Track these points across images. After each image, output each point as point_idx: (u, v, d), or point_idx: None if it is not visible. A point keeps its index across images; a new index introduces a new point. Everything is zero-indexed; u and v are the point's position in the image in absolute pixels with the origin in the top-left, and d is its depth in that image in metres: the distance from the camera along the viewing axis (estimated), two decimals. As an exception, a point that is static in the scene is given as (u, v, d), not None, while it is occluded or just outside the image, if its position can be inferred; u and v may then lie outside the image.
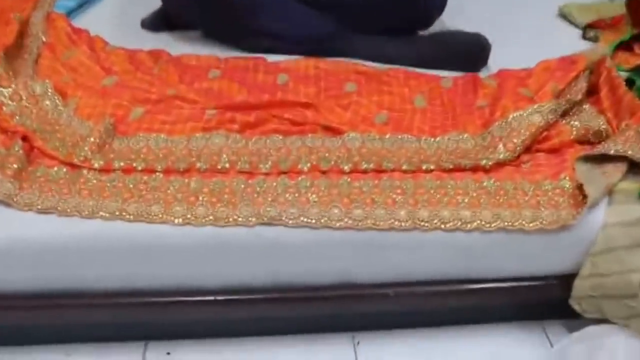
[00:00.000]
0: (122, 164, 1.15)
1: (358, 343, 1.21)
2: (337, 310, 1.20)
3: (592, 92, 1.34)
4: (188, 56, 1.45)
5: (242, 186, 1.12)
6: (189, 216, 1.08)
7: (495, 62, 1.49)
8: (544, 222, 1.09)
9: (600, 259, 1.10)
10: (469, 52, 1.51)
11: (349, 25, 1.50)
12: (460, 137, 1.24)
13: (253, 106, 1.28)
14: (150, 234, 1.07)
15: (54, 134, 1.20)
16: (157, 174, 1.14)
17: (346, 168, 1.17)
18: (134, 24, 1.60)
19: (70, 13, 1.58)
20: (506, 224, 1.09)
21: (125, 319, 1.17)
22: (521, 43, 1.60)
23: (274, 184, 1.13)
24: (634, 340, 1.11)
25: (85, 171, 1.14)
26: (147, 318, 1.17)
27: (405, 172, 1.17)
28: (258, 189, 1.12)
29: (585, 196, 1.10)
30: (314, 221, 1.08)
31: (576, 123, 1.26)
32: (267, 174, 1.15)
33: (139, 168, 1.15)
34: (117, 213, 1.07)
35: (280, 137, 1.23)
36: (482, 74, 1.46)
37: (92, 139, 1.17)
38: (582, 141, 1.25)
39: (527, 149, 1.21)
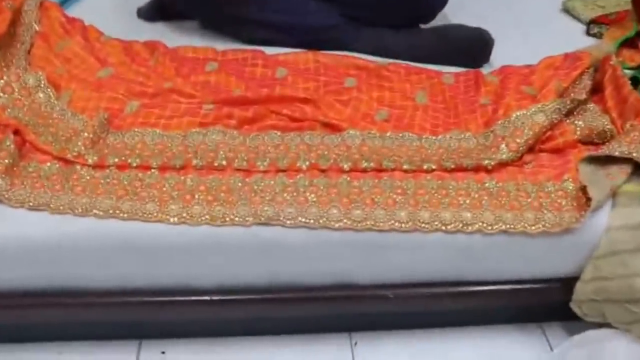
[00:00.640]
0: (116, 160, 1.13)
1: (356, 344, 1.20)
2: (335, 310, 1.18)
3: (596, 90, 1.32)
4: (185, 48, 1.42)
5: (239, 184, 1.10)
6: (184, 215, 1.06)
7: (498, 57, 1.47)
8: (547, 225, 1.07)
9: (604, 263, 1.08)
10: (471, 47, 1.49)
11: (350, 17, 1.47)
12: (462, 135, 1.23)
13: (251, 101, 1.25)
14: (145, 233, 1.05)
15: (47, 128, 1.18)
16: (153, 170, 1.12)
17: (345, 167, 1.14)
18: (129, 14, 1.57)
19: (64, 2, 1.54)
20: (508, 226, 1.08)
21: (119, 318, 1.15)
22: (524, 38, 1.58)
23: (272, 182, 1.11)
24: (636, 345, 1.09)
25: (78, 167, 1.11)
26: (142, 317, 1.15)
27: (406, 171, 1.15)
28: (255, 187, 1.10)
29: (588, 198, 1.08)
30: (312, 221, 1.06)
31: (580, 123, 1.24)
32: (265, 172, 1.13)
33: (134, 164, 1.13)
34: (111, 211, 1.05)
35: (279, 134, 1.20)
36: (484, 69, 1.44)
37: (86, 134, 1.15)
38: (586, 141, 1.22)
39: (530, 149, 1.19)
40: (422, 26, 1.55)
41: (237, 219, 1.05)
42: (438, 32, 1.52)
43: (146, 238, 1.05)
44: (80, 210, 1.05)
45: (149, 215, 1.05)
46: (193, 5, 1.50)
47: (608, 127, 1.23)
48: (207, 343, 1.18)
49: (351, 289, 1.13)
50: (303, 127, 1.22)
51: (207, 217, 1.05)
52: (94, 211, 1.05)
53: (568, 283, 1.13)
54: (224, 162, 1.14)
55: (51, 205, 1.05)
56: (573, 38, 1.59)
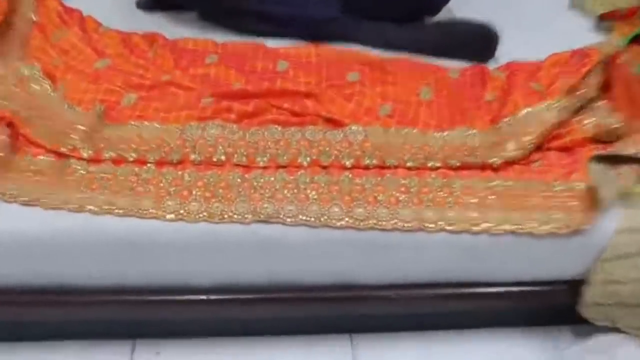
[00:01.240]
0: (112, 154, 1.10)
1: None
2: (336, 311, 1.17)
3: (606, 87, 1.28)
4: (184, 40, 1.39)
5: (239, 180, 1.08)
6: (181, 211, 1.03)
7: (503, 53, 1.43)
8: (555, 225, 1.05)
9: (615, 265, 1.05)
10: (476, 42, 1.45)
11: (353, 10, 1.44)
12: (468, 132, 1.20)
13: (251, 95, 1.23)
14: (141, 230, 1.02)
15: (42, 121, 1.14)
16: (149, 165, 1.10)
17: (348, 163, 1.12)
18: (128, 4, 1.54)
19: (62, -8, 1.50)
20: (515, 227, 1.05)
21: (114, 317, 1.14)
22: (530, 34, 1.52)
23: (272, 178, 1.09)
24: (647, 350, 1.07)
25: (73, 161, 1.09)
26: (137, 316, 1.13)
27: (409, 169, 1.13)
28: (255, 183, 1.08)
29: (598, 199, 1.05)
30: (313, 219, 1.04)
31: (589, 120, 1.20)
32: (264, 168, 1.11)
33: (130, 159, 1.10)
34: (106, 207, 1.03)
35: (279, 129, 1.18)
36: (490, 65, 1.40)
37: (81, 127, 1.12)
38: (595, 140, 1.20)
39: (538, 147, 1.16)
40: (426, 21, 1.52)
41: (235, 216, 1.03)
42: (442, 26, 1.49)
43: (142, 235, 1.02)
44: (74, 205, 1.02)
45: (145, 212, 1.03)
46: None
47: (618, 125, 1.20)
48: (204, 343, 1.16)
49: (353, 289, 1.12)
50: (304, 122, 1.19)
51: (204, 214, 1.03)
52: (89, 207, 1.03)
53: (576, 285, 1.10)
54: (223, 157, 1.11)
55: (44, 201, 1.02)
56: (581, 34, 1.55)
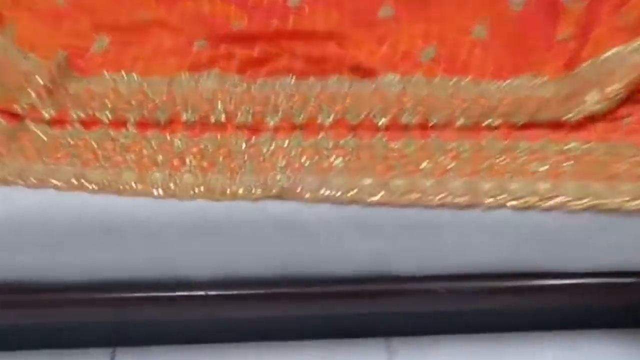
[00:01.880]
0: (81, 114, 1.13)
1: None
2: (368, 310, 1.18)
3: None
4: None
5: (244, 146, 1.09)
6: (171, 186, 1.04)
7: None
8: (650, 200, 1.03)
9: None
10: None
11: None
12: (536, 81, 1.21)
13: (257, 37, 1.25)
14: (121, 210, 1.03)
15: (-13, 72, 1.17)
16: (129, 128, 1.11)
17: (381, 123, 1.13)
18: None
19: None
20: (598, 201, 1.04)
21: (88, 320, 1.15)
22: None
23: (286, 143, 1.10)
24: None
25: (30, 123, 1.10)
26: (116, 318, 1.15)
27: (460, 129, 1.14)
28: (264, 150, 1.09)
29: None
30: (338, 194, 1.04)
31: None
32: (276, 130, 1.12)
33: (105, 120, 1.11)
34: (74, 181, 1.03)
35: (293, 80, 1.20)
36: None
37: (39, 80, 1.13)
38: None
39: (627, 99, 1.16)
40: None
41: (240, 191, 1.03)
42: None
43: (122, 216, 1.03)
44: (33, 180, 1.03)
45: (126, 187, 1.03)
46: None
47: None
48: (200, 352, 1.19)
49: (389, 282, 1.12)
50: (325, 71, 1.22)
51: (201, 188, 1.04)
52: (52, 181, 1.03)
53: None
54: (223, 117, 1.13)
55: (-6, 174, 1.04)
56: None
